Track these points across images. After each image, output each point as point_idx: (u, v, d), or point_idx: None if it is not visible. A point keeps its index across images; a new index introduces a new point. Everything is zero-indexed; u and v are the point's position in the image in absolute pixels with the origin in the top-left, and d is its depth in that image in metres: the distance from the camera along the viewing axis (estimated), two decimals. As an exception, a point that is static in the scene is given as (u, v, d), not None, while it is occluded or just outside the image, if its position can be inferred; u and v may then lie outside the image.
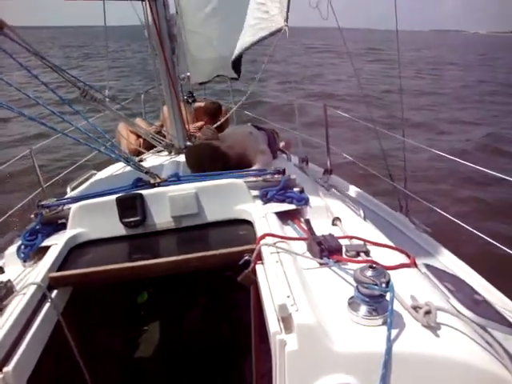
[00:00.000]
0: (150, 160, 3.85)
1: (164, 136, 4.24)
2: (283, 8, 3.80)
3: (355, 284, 1.37)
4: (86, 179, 4.01)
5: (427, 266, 2.33)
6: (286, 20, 3.74)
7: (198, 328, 3.18)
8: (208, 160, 2.95)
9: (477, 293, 2.13)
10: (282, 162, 3.48)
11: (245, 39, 3.96)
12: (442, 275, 2.19)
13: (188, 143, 4.08)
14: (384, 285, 1.31)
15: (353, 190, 3.61)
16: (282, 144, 4.09)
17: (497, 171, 2.82)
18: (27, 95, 2.42)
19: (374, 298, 1.34)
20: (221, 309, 3.20)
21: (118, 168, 3.79)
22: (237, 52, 3.98)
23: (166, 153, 4.07)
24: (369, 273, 1.34)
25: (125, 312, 3.06)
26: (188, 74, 5.13)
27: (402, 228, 3.20)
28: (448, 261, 2.75)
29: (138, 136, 4.76)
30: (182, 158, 3.80)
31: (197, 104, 5.55)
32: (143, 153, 4.29)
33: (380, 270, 1.35)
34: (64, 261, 2.06)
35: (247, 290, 1.89)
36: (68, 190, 3.79)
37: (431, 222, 3.37)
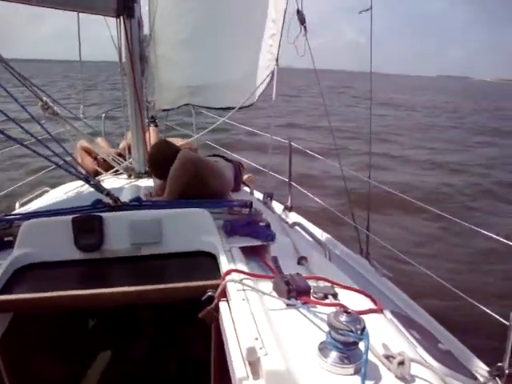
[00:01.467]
0: (109, 182, 3.72)
1: (124, 158, 4.12)
2: (274, 48, 3.88)
3: (327, 328, 1.31)
4: (38, 196, 3.83)
5: (392, 312, 2.29)
6: (277, 60, 3.81)
7: (143, 361, 3.03)
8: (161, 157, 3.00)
9: (439, 342, 2.10)
10: (245, 196, 3.42)
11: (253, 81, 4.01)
12: (406, 322, 2.16)
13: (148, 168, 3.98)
14: (359, 332, 1.24)
15: (315, 229, 3.57)
16: (245, 177, 4.04)
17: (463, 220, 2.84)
18: None
19: (348, 345, 1.27)
20: (169, 343, 3.06)
21: (73, 187, 3.63)
22: (253, 99, 4.03)
23: (125, 176, 3.94)
24: (343, 318, 1.28)
25: (68, 339, 2.88)
26: (153, 98, 5.09)
27: (363, 271, 3.17)
28: (409, 307, 2.73)
29: (96, 157, 4.63)
30: (142, 182, 3.70)
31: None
32: (101, 173, 4.15)
33: (355, 316, 1.29)
34: (7, 283, 1.88)
35: (201, 325, 1.79)
36: (17, 205, 3.61)
37: (391, 266, 3.36)
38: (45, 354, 2.47)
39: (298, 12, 3.47)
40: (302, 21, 3.48)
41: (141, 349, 3.10)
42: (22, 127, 2.27)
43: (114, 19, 3.56)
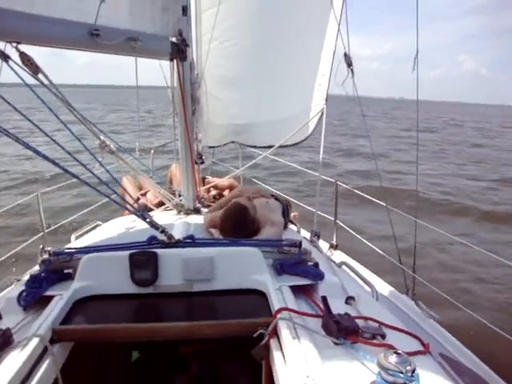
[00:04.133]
0: (159, 218, 3.82)
1: (173, 194, 4.23)
2: (323, 87, 3.98)
3: (376, 369, 1.32)
4: (91, 229, 3.97)
5: (440, 355, 2.25)
6: (326, 100, 3.91)
7: None
8: (243, 225, 2.97)
9: None
10: (292, 234, 3.44)
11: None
12: (455, 365, 2.11)
13: (198, 205, 4.07)
14: (409, 373, 1.25)
15: (361, 269, 3.55)
16: (291, 215, 4.07)
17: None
18: (45, 133, 2.40)
19: None
20: (213, 380, 3.06)
21: (125, 222, 3.74)
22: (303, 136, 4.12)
23: (174, 212, 4.03)
24: (393, 359, 1.29)
25: (115, 370, 2.92)
26: (199, 135, 5.22)
27: (409, 312, 3.13)
28: (457, 351, 2.67)
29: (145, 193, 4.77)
30: (191, 218, 3.78)
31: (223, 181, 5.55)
32: (150, 208, 4.26)
33: (405, 358, 1.30)
34: (68, 314, 1.97)
35: (244, 362, 1.79)
36: (72, 238, 3.74)
37: (438, 308, 3.30)
38: (95, 381, 2.52)
39: (346, 55, 3.55)
40: (349, 63, 3.56)
41: None
42: (84, 166, 2.40)
43: (168, 62, 3.72)
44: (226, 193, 5.10)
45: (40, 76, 2.57)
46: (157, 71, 4.12)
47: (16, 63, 2.42)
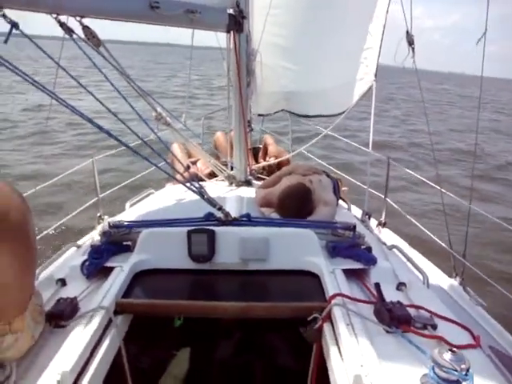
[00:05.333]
0: (211, 189, 3.87)
1: (224, 165, 4.27)
2: (370, 61, 3.91)
3: (428, 361, 1.35)
4: (145, 197, 4.07)
5: (490, 348, 2.24)
6: (375, 75, 3.85)
7: (228, 363, 3.12)
8: (304, 207, 2.96)
9: None
10: (343, 213, 3.44)
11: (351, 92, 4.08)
12: (505, 359, 2.11)
13: (249, 177, 4.11)
14: (464, 372, 1.27)
15: (412, 252, 3.53)
16: (342, 189, 4.06)
17: None
18: (101, 102, 2.45)
19: (450, 383, 1.29)
20: (256, 349, 3.14)
21: (177, 191, 3.80)
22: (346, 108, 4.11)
23: (226, 183, 4.09)
24: (448, 356, 1.31)
25: (161, 334, 3.04)
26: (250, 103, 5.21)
27: (458, 299, 3.11)
28: (504, 340, 2.65)
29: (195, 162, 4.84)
30: (242, 191, 3.83)
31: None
32: (202, 179, 4.32)
33: (460, 356, 1.31)
34: (129, 287, 2.06)
35: (289, 337, 1.82)
36: (127, 206, 3.84)
37: (486, 295, 3.26)
38: (138, 343, 2.65)
39: (408, 33, 3.45)
40: (411, 42, 3.46)
41: (227, 351, 3.20)
42: (136, 135, 2.46)
43: (225, 34, 3.71)
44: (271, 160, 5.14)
45: (101, 49, 2.62)
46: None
47: (80, 37, 2.47)
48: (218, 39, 3.96)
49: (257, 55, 4.23)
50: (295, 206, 2.92)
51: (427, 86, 52.55)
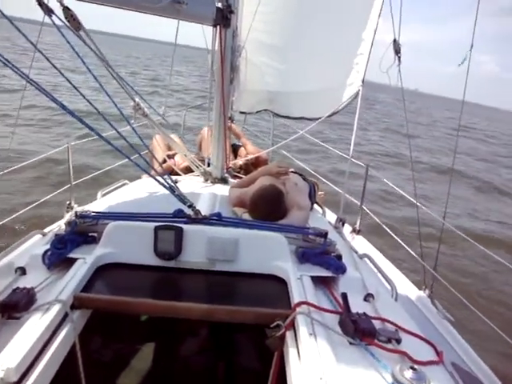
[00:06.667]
0: (185, 184, 3.80)
1: (202, 161, 4.20)
2: (361, 67, 3.88)
3: (389, 376, 1.34)
4: (118, 187, 3.98)
5: (453, 365, 2.24)
6: (363, 81, 3.81)
7: (192, 361, 3.08)
8: (276, 210, 2.88)
9: None
10: (317, 219, 3.40)
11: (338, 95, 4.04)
12: (466, 377, 2.10)
13: (226, 175, 4.04)
14: None
15: (383, 262, 3.52)
16: (319, 193, 4.03)
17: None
18: (79, 92, 2.37)
19: None
20: (221, 346, 3.10)
21: (152, 183, 3.73)
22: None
23: (201, 179, 4.02)
24: (409, 374, 1.31)
25: (126, 327, 2.98)
26: (233, 98, 5.15)
27: (426, 312, 3.11)
28: (468, 358, 2.65)
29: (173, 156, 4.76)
30: (217, 188, 3.77)
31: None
32: (177, 173, 4.25)
33: (421, 374, 1.31)
34: (90, 280, 1.99)
35: (254, 337, 1.78)
36: (99, 195, 3.76)
37: (455, 310, 3.27)
38: (99, 337, 2.57)
39: (395, 41, 3.43)
40: (397, 51, 3.44)
41: (191, 349, 3.16)
42: (115, 129, 2.39)
43: (210, 28, 3.64)
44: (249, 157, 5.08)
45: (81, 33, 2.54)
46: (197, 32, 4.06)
47: (59, 18, 2.38)
48: (205, 32, 3.88)
49: (242, 51, 4.17)
50: (267, 209, 2.86)
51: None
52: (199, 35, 4.13)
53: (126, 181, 4.28)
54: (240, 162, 4.91)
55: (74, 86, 2.35)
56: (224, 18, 3.51)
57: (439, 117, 50.88)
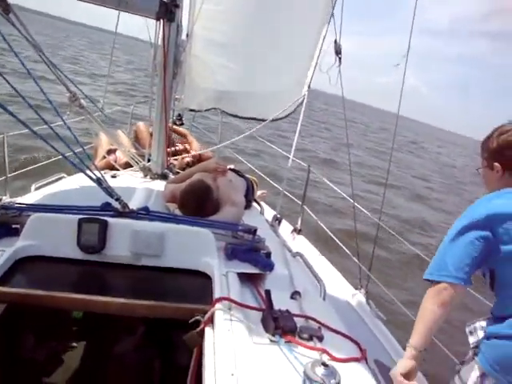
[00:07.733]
0: (123, 180, 3.72)
1: (142, 156, 4.12)
2: (310, 71, 3.88)
3: (302, 376, 1.32)
4: (54, 181, 3.87)
5: (376, 362, 2.27)
6: (309, 86, 3.81)
7: (127, 358, 3.03)
8: (204, 205, 2.86)
9: None
10: (254, 216, 3.39)
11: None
12: (387, 374, 2.13)
13: (166, 171, 3.99)
14: None
15: (318, 260, 3.55)
16: (259, 193, 4.02)
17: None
18: (12, 86, 2.27)
19: None
20: (157, 343, 3.05)
21: (87, 178, 3.66)
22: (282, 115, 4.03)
23: (141, 174, 3.95)
24: (320, 370, 1.29)
25: (60, 324, 2.90)
26: (182, 96, 5.09)
27: (358, 310, 3.15)
28: (397, 355, 2.69)
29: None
30: (156, 184, 3.71)
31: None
32: (117, 168, 4.16)
33: (332, 370, 1.30)
34: (7, 272, 1.91)
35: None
36: (32, 188, 3.64)
37: (388, 309, 3.33)
38: (31, 336, 2.49)
39: (336, 42, 3.44)
40: (338, 51, 3.45)
41: (127, 346, 3.10)
42: (45, 121, 2.29)
43: (154, 21, 3.58)
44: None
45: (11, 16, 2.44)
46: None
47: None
48: (148, 25, 3.81)
49: (187, 47, 4.12)
50: (194, 204, 2.84)
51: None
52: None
53: (64, 174, 4.17)
54: (187, 158, 4.86)
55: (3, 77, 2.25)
56: (168, 12, 3.45)
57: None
